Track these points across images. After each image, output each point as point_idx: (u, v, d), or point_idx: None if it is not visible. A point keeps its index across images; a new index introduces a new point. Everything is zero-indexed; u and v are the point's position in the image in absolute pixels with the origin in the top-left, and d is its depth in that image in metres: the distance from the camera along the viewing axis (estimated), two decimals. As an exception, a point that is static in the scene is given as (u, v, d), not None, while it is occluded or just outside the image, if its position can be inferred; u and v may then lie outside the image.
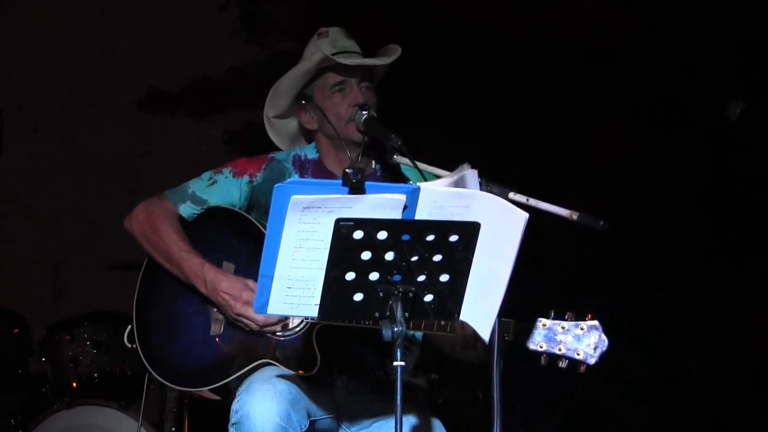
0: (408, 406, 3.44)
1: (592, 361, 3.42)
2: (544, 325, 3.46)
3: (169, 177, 4.61)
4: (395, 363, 3.17)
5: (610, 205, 6.37)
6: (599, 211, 3.43)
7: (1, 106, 5.71)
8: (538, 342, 3.45)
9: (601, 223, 3.45)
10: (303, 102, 4.15)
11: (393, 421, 3.15)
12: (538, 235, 3.23)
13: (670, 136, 6.99)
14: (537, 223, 3.22)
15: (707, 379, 6.85)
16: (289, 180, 3.77)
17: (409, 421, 3.65)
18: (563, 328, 3.44)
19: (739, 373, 6.83)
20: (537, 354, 3.46)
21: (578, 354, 3.42)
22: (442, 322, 3.57)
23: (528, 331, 3.45)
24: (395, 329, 3.12)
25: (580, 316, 3.46)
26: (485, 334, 3.24)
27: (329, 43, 4.11)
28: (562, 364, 3.45)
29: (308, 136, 4.25)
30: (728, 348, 6.80)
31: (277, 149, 4.24)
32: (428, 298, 3.21)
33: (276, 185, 3.11)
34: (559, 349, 3.43)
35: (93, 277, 5.17)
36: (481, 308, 3.25)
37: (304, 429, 3.66)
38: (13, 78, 7.92)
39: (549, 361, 3.46)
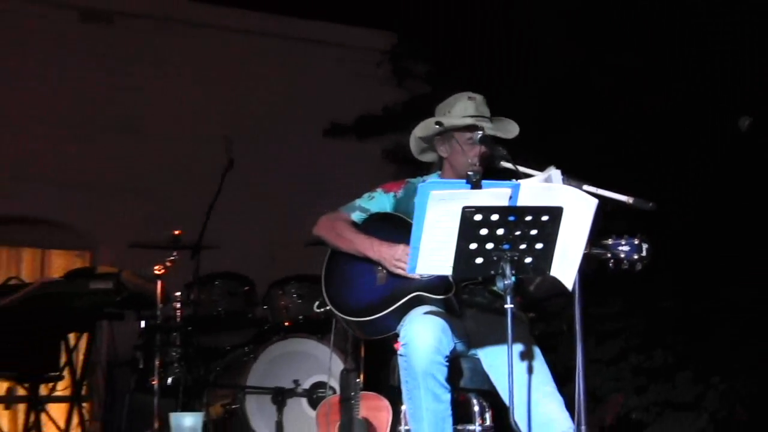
0: (517, 336, 3.42)
1: (645, 261, 3.43)
2: (609, 243, 3.46)
3: (344, 184, 4.66)
4: (506, 305, 3.19)
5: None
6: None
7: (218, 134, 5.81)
8: (607, 252, 3.45)
9: (650, 204, 3.46)
10: (441, 136, 4.06)
11: (506, 346, 3.17)
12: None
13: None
14: (602, 204, 3.25)
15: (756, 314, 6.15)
16: (429, 181, 3.78)
17: (518, 347, 3.60)
18: (623, 242, 3.45)
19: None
20: (607, 260, 3.45)
21: (635, 256, 3.43)
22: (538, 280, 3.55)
23: (601, 247, 3.43)
24: (506, 282, 3.15)
25: (632, 236, 3.47)
26: (569, 284, 3.23)
27: (474, 107, 4.01)
28: (624, 265, 3.44)
29: (434, 155, 4.20)
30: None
31: (412, 176, 4.21)
32: (528, 260, 3.20)
33: (420, 185, 3.13)
34: (622, 254, 3.43)
35: (296, 252, 5.22)
36: (565, 266, 3.25)
37: (450, 349, 3.66)
38: (227, 113, 8.06)
39: (615, 264, 3.45)
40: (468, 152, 3.96)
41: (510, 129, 4.05)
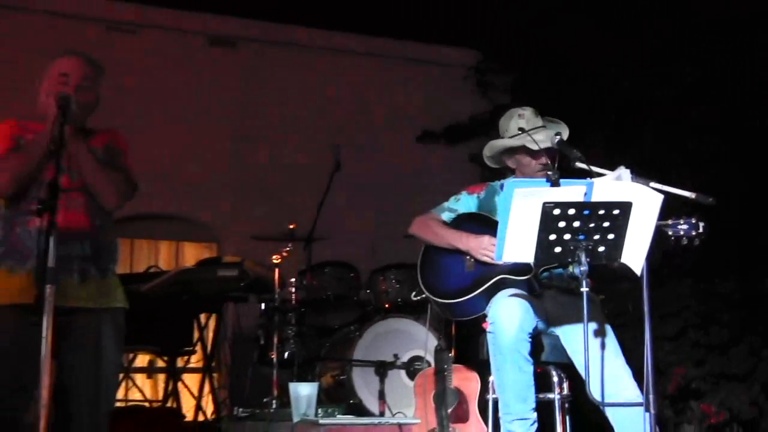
0: (591, 315, 3.38)
1: (702, 237, 3.43)
2: (669, 223, 3.44)
3: (435, 184, 4.67)
4: (582, 289, 3.17)
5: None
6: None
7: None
8: (668, 230, 3.44)
9: (711, 199, 3.42)
10: (506, 153, 4.08)
11: (582, 325, 3.15)
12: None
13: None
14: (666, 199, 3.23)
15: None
16: (513, 180, 3.76)
17: (592, 326, 3.57)
18: (681, 222, 3.44)
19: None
20: (669, 237, 3.44)
21: (693, 233, 3.43)
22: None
23: (662, 227, 3.40)
24: (581, 268, 3.14)
25: (689, 216, 3.46)
26: (638, 270, 3.20)
27: (525, 122, 3.99)
28: (684, 241, 3.43)
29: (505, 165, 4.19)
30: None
31: (492, 180, 4.19)
32: (601, 249, 3.19)
33: (507, 183, 3.12)
34: (681, 232, 3.43)
35: (394, 243, 5.24)
36: (634, 254, 3.22)
37: (533, 327, 3.66)
38: (334, 123, 8.13)
39: (676, 240, 3.44)
40: (530, 163, 3.99)
41: (562, 128, 4.03)
